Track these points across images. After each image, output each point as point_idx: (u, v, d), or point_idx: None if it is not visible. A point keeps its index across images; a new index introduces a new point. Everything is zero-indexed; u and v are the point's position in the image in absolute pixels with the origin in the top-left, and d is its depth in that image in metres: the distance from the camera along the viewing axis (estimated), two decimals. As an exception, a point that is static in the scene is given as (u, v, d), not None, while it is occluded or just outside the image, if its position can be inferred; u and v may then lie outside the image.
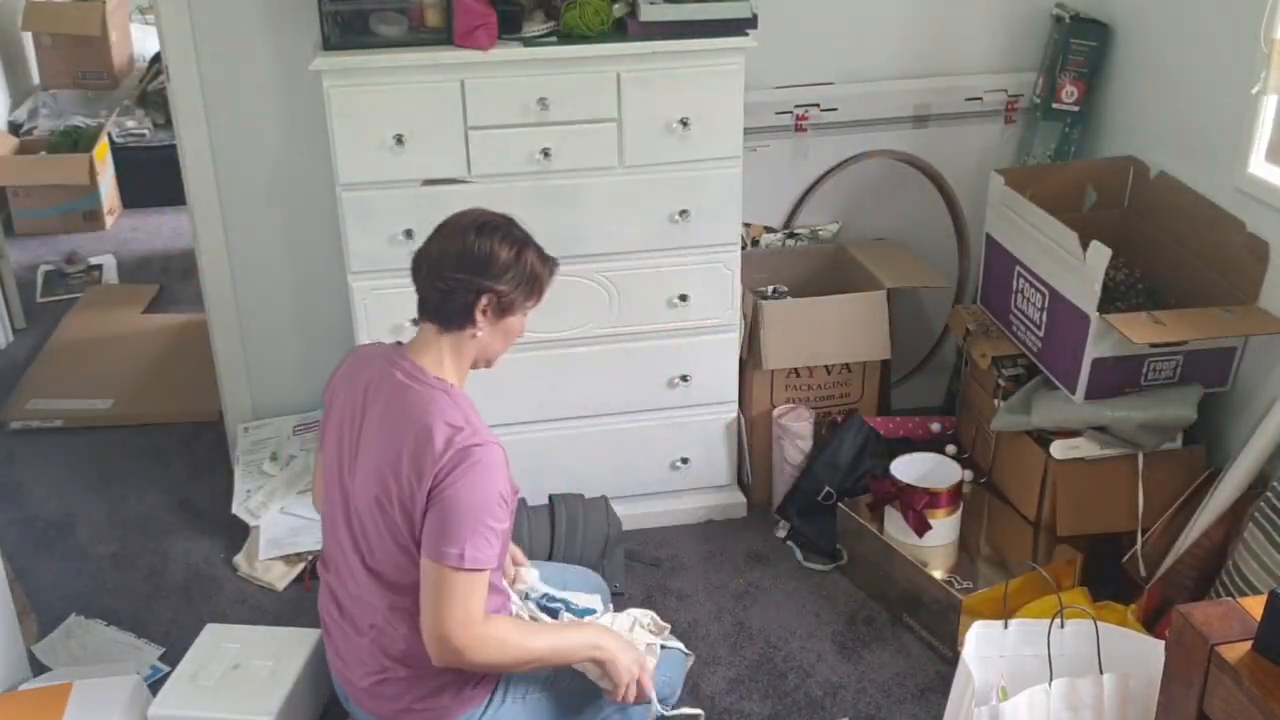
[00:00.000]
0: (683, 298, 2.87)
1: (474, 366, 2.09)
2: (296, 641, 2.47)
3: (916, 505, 2.71)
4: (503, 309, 2.03)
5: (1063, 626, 2.13)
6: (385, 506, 1.94)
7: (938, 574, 2.68)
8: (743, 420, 3.09)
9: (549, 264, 2.09)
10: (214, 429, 3.51)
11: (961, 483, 2.79)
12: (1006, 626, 2.15)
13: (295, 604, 2.85)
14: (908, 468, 2.81)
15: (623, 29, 2.67)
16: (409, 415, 1.95)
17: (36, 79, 5.57)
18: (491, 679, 2.04)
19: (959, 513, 2.78)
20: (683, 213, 2.78)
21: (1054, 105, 3.15)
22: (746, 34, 2.67)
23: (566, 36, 2.64)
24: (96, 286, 4.54)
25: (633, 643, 2.10)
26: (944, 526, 2.76)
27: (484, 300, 1.99)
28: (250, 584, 2.91)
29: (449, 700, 2.01)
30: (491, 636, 1.92)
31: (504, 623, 1.98)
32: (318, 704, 2.49)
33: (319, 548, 2.91)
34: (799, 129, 3.18)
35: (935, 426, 3.23)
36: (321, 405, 2.16)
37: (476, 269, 1.99)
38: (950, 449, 3.16)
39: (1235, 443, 2.67)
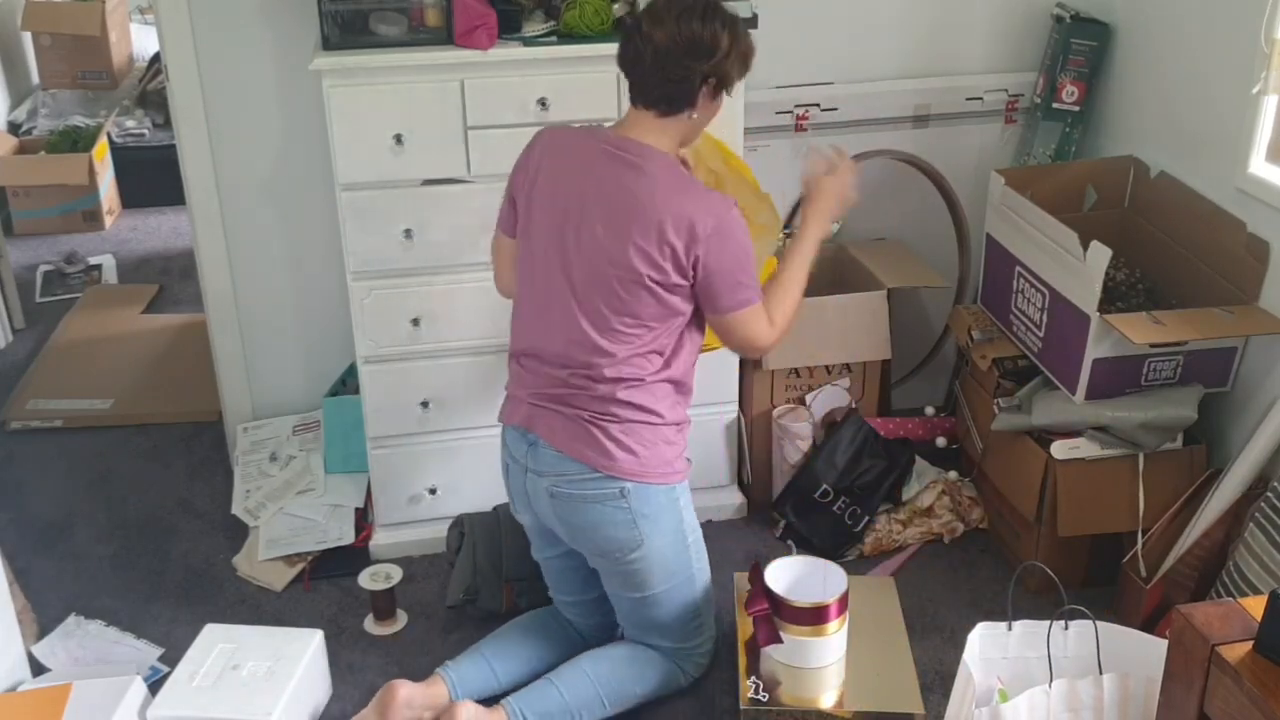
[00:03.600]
0: (683, 298, 2.87)
1: (682, 145, 2.29)
2: (296, 641, 2.47)
3: (751, 609, 2.38)
4: (718, 88, 2.21)
5: (1066, 628, 2.13)
6: (649, 276, 2.17)
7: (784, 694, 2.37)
8: (742, 421, 3.09)
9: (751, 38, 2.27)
10: (214, 429, 3.51)
11: (838, 601, 2.33)
12: (1010, 628, 2.15)
13: (295, 604, 2.85)
14: (785, 571, 2.42)
15: (623, 29, 2.67)
16: (656, 200, 2.16)
17: (36, 79, 5.56)
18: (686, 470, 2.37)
19: (831, 638, 2.35)
20: (683, 213, 2.78)
21: (1054, 105, 3.15)
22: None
23: (566, 36, 2.64)
24: (96, 286, 4.54)
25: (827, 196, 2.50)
26: (802, 646, 2.34)
27: (709, 84, 2.17)
28: (250, 584, 2.91)
29: (670, 458, 2.31)
30: (778, 321, 2.30)
31: (768, 305, 2.29)
32: (318, 704, 2.49)
33: (319, 547, 2.94)
34: (799, 129, 3.17)
35: (929, 410, 3.25)
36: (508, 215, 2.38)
37: (705, 55, 2.14)
38: (940, 441, 3.17)
39: (1236, 443, 2.67)
